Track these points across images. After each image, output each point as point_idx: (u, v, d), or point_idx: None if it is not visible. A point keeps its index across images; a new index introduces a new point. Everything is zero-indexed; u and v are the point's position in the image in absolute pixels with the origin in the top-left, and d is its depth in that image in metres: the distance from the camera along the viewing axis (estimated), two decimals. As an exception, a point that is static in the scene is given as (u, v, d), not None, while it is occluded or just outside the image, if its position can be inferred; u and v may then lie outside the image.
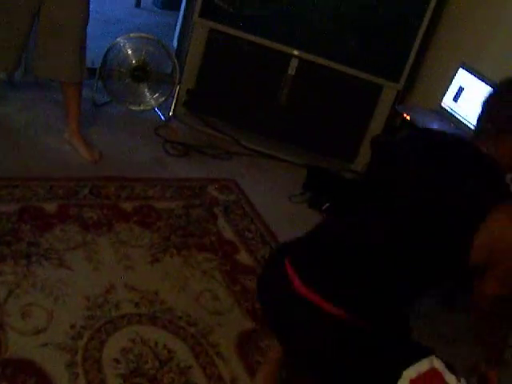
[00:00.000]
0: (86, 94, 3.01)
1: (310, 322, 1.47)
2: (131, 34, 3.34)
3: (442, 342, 2.27)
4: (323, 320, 1.44)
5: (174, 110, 3.46)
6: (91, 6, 2.64)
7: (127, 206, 2.56)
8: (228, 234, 2.60)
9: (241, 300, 2.23)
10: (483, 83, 2.81)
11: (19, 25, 2.53)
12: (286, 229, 2.70)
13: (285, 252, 1.58)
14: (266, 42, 3.24)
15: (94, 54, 3.14)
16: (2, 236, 2.17)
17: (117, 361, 1.83)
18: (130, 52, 3.33)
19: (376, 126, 3.34)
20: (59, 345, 1.82)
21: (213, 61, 3.38)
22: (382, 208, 1.53)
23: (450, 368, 1.41)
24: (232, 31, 3.24)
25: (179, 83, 3.42)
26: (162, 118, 3.44)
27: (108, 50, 3.31)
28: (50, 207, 2.41)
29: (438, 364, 1.41)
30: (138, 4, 5.18)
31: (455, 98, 2.98)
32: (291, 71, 3.30)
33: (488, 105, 1.57)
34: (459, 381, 1.40)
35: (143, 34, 3.37)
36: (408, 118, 3.02)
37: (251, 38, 3.24)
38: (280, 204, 2.96)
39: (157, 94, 3.44)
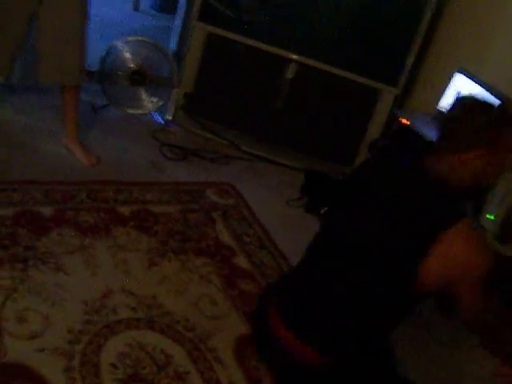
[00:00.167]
0: (84, 97, 3.01)
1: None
2: (129, 38, 3.33)
3: (440, 345, 2.27)
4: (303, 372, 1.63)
5: (172, 113, 3.46)
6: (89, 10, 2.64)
7: (125, 210, 2.56)
8: (226, 238, 2.59)
9: (238, 304, 2.22)
10: (480, 87, 2.82)
11: (14, 28, 2.52)
12: (283, 233, 2.71)
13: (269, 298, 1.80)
14: (265, 47, 3.24)
15: (91, 57, 3.12)
16: (-2, 240, 2.16)
17: (114, 366, 1.82)
18: (128, 55, 3.32)
19: (374, 130, 3.34)
20: (56, 349, 1.81)
21: (211, 65, 3.38)
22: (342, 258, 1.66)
23: None
24: (231, 35, 3.24)
25: (178, 87, 3.43)
26: (160, 121, 3.44)
27: (106, 54, 3.30)
28: (47, 211, 2.40)
29: None
30: (136, 7, 5.19)
31: (452, 103, 2.99)
32: (289, 75, 3.30)
33: (444, 123, 1.62)
34: None
35: (141, 38, 3.37)
36: (404, 121, 3.03)
37: (249, 42, 3.24)
38: (278, 208, 2.96)
39: (155, 98, 3.44)
